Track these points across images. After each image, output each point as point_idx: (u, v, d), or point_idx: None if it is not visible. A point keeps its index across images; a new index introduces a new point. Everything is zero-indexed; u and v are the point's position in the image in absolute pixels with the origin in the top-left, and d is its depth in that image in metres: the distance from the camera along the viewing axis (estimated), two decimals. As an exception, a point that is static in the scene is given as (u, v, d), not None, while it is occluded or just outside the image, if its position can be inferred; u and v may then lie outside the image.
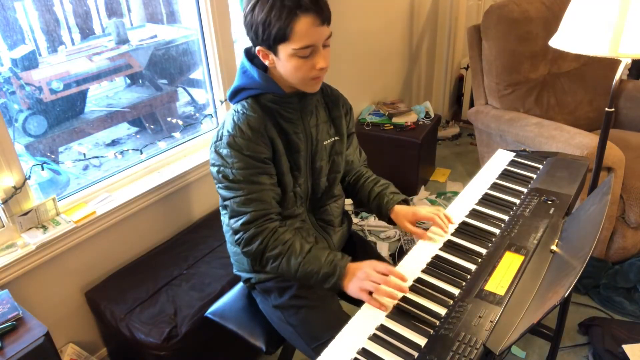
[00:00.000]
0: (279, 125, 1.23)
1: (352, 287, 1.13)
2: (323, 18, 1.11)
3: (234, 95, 1.25)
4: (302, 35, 1.09)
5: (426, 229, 1.31)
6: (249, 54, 1.23)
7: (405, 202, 1.40)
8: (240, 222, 1.20)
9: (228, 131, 1.18)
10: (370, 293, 1.09)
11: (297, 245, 1.19)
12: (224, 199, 1.22)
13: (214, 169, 1.21)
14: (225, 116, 1.24)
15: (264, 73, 1.20)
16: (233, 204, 1.19)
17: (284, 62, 1.14)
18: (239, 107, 1.21)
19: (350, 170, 1.48)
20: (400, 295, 1.09)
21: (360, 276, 1.13)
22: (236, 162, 1.17)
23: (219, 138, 1.20)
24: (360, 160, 1.51)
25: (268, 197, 1.20)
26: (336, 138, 1.36)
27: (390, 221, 1.40)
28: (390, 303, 1.07)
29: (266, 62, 1.18)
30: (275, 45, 1.12)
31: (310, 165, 1.31)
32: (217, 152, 1.19)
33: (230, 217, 1.22)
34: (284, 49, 1.11)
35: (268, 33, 1.09)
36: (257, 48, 1.16)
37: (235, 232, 1.22)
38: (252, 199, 1.18)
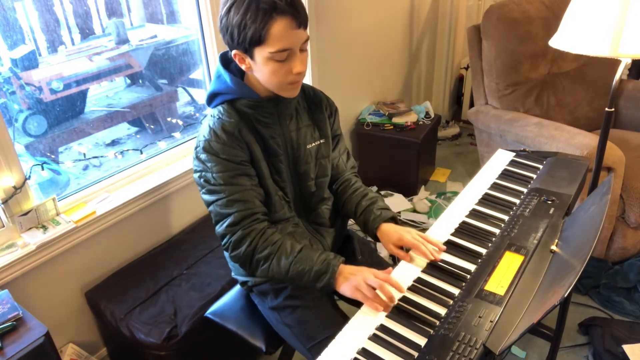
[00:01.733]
0: (256, 130, 1.22)
1: (348, 286, 1.12)
2: (299, 21, 1.09)
3: (211, 100, 1.25)
4: (278, 38, 1.07)
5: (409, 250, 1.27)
6: (225, 59, 1.23)
7: (394, 220, 1.34)
8: (225, 224, 1.18)
9: (204, 136, 1.18)
10: None
11: (288, 245, 1.18)
12: (208, 204, 1.20)
13: (196, 175, 1.21)
14: (203, 122, 1.24)
15: (237, 78, 1.20)
16: (216, 208, 1.18)
17: (260, 66, 1.13)
18: (215, 112, 1.22)
19: (337, 177, 1.43)
20: (391, 306, 1.07)
21: (358, 277, 1.12)
22: (214, 165, 1.16)
23: (197, 144, 1.20)
24: (347, 166, 1.46)
25: (250, 197, 1.19)
26: (321, 141, 1.34)
27: (376, 238, 1.34)
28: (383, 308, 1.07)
29: (242, 67, 1.17)
30: (251, 49, 1.10)
31: (294, 169, 1.30)
32: (197, 157, 1.20)
33: (216, 223, 1.21)
34: (260, 53, 1.10)
35: (244, 36, 1.08)
36: (234, 52, 1.14)
37: (222, 236, 1.20)
38: (235, 199, 1.17)
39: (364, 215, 1.35)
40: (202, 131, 1.20)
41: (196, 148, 1.20)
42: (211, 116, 1.21)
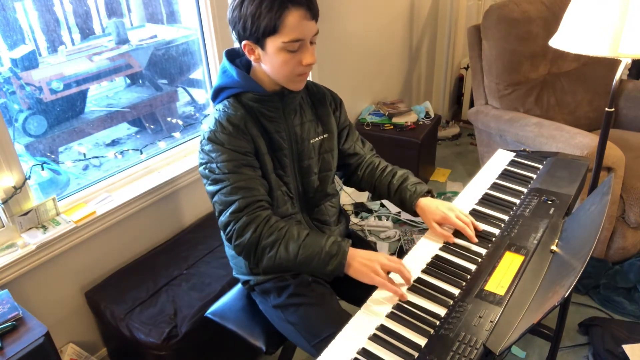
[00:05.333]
0: (261, 124, 1.24)
1: (365, 272, 1.12)
2: (313, 13, 1.12)
3: (216, 96, 1.26)
4: (292, 29, 1.10)
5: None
6: (230, 56, 1.25)
7: (429, 193, 1.37)
8: (229, 212, 1.17)
9: (209, 127, 1.20)
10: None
11: (295, 230, 1.17)
12: (212, 194, 1.20)
13: (201, 168, 1.22)
14: (207, 117, 1.25)
15: (243, 72, 1.22)
16: (220, 196, 1.18)
17: (271, 57, 1.14)
18: (220, 106, 1.23)
19: (361, 162, 1.46)
20: (406, 296, 1.09)
21: (374, 263, 1.12)
22: (219, 155, 1.17)
23: (202, 137, 1.21)
24: (366, 149, 1.48)
25: (255, 185, 1.19)
26: (325, 136, 1.35)
27: (416, 214, 1.36)
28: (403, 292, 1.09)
29: (251, 58, 1.19)
30: (263, 39, 1.12)
31: (298, 164, 1.31)
32: (202, 150, 1.21)
33: (219, 214, 1.20)
34: (273, 42, 1.12)
35: (257, 25, 1.10)
36: (243, 43, 1.16)
37: (226, 225, 1.18)
38: (239, 187, 1.17)
39: (398, 193, 1.37)
40: (208, 124, 1.21)
41: (201, 141, 1.21)
42: (216, 110, 1.22)
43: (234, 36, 1.18)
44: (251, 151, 1.21)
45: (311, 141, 1.32)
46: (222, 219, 1.19)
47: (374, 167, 1.45)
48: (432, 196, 1.37)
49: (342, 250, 1.15)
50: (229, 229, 1.18)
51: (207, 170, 1.20)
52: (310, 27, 1.13)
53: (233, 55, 1.26)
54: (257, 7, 1.08)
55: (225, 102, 1.23)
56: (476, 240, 1.24)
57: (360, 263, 1.14)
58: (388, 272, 1.13)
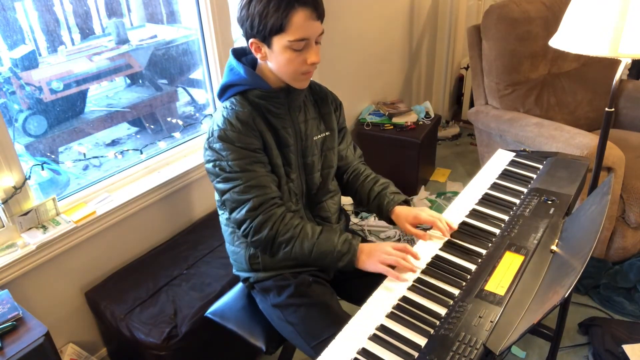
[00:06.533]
0: (267, 121, 1.26)
1: (372, 261, 1.19)
2: (318, 13, 1.15)
3: (223, 93, 1.28)
4: (298, 28, 1.12)
5: (426, 229, 1.32)
6: (236, 54, 1.27)
7: (406, 203, 1.41)
8: (244, 210, 1.21)
9: (218, 126, 1.21)
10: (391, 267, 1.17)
11: (309, 228, 1.23)
12: (223, 192, 1.23)
13: (210, 165, 1.23)
14: (215, 114, 1.26)
15: (249, 69, 1.24)
16: (233, 195, 1.21)
17: (277, 55, 1.16)
18: (227, 103, 1.24)
19: (347, 167, 1.49)
20: (418, 270, 1.16)
21: (382, 250, 1.19)
22: (230, 153, 1.19)
23: (210, 134, 1.23)
24: (355, 156, 1.52)
25: (267, 182, 1.22)
26: (327, 133, 1.38)
27: (391, 221, 1.41)
28: (409, 276, 1.14)
29: (257, 56, 1.21)
30: (270, 37, 1.14)
31: (302, 160, 1.33)
32: (210, 147, 1.22)
33: (232, 210, 1.24)
34: (279, 41, 1.14)
35: (264, 24, 1.12)
36: (250, 41, 1.18)
37: (241, 222, 1.23)
38: (252, 185, 1.20)
39: (377, 199, 1.42)
40: (216, 121, 1.23)
41: (209, 138, 1.23)
42: (224, 107, 1.24)
43: (233, 36, 1.19)
44: (260, 147, 1.23)
45: (314, 138, 1.34)
46: (237, 216, 1.23)
47: (358, 173, 1.49)
48: (409, 206, 1.41)
49: (352, 248, 1.22)
50: (245, 226, 1.23)
51: (217, 169, 1.22)
52: (316, 26, 1.15)
53: (239, 54, 1.28)
54: (265, 6, 1.10)
55: (232, 99, 1.25)
56: (448, 235, 1.28)
57: (366, 255, 1.21)
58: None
